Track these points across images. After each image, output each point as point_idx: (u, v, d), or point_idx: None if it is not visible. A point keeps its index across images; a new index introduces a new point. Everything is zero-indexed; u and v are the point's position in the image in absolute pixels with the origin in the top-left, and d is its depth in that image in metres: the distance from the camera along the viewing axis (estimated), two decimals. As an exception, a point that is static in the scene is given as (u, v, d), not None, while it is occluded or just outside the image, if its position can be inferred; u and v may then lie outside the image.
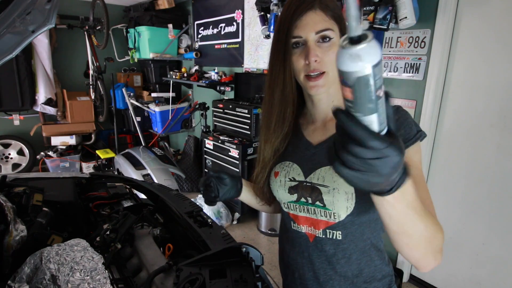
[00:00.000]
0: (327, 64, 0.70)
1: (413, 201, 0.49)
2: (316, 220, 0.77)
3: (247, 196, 0.94)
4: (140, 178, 2.91)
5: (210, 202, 0.87)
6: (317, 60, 0.69)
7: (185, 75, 3.87)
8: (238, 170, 3.02)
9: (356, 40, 0.33)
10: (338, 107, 0.38)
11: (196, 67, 4.01)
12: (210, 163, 3.42)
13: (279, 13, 2.43)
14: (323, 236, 0.77)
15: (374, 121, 0.36)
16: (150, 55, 4.00)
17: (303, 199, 0.77)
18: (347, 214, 0.73)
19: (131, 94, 4.28)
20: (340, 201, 0.72)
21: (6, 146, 4.05)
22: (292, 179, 0.79)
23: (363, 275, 0.77)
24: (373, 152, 0.36)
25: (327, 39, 0.70)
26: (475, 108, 1.88)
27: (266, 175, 0.86)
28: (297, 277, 0.84)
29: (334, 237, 0.76)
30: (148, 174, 3.01)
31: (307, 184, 0.76)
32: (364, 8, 1.88)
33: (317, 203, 0.75)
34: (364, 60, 0.32)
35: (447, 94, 2.00)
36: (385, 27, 1.86)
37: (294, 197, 0.79)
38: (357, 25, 0.33)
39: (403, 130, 0.69)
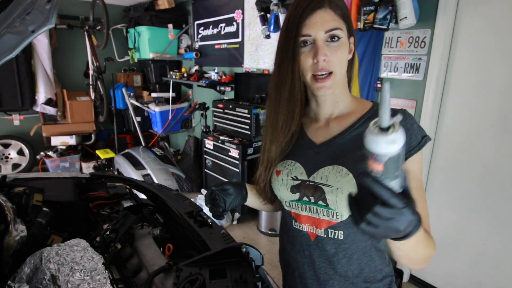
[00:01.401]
0: (335, 64, 0.70)
1: (420, 237, 0.55)
2: (318, 220, 0.77)
3: (251, 199, 0.93)
4: (140, 178, 2.91)
5: (218, 216, 0.85)
6: (325, 60, 0.69)
7: (185, 75, 3.87)
8: (238, 170, 3.02)
9: (386, 128, 0.40)
10: (363, 171, 0.46)
11: (196, 67, 4.01)
12: (210, 163, 3.42)
13: (279, 13, 2.43)
14: (325, 236, 0.77)
15: (397, 185, 0.45)
16: (150, 55, 4.00)
17: (305, 198, 0.77)
18: (349, 214, 0.73)
19: (131, 94, 4.28)
20: (343, 201, 0.72)
21: (6, 146, 4.05)
22: (295, 178, 0.79)
23: (363, 275, 0.77)
24: (393, 211, 0.44)
25: (336, 38, 0.69)
26: (475, 108, 1.88)
27: (270, 175, 0.85)
28: (297, 275, 0.84)
29: (336, 237, 0.76)
30: (148, 174, 3.00)
31: (310, 183, 0.76)
32: (364, 8, 1.88)
33: (320, 202, 0.75)
34: (397, 143, 0.40)
35: (447, 94, 2.00)
36: (385, 27, 1.86)
37: (296, 196, 0.78)
38: (389, 118, 0.40)
39: (409, 137, 0.70)
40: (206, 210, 0.94)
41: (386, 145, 0.41)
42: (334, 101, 0.79)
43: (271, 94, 0.80)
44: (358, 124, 0.76)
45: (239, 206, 3.13)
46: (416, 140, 0.71)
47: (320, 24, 0.68)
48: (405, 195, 0.46)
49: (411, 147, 0.70)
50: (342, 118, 0.79)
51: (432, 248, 0.64)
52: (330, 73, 0.70)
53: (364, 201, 0.46)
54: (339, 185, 0.72)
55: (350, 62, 0.79)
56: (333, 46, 0.69)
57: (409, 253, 0.60)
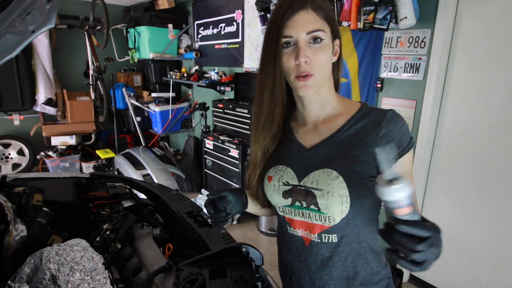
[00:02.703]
0: (316, 66, 0.70)
1: None
2: (311, 224, 0.76)
3: (251, 205, 0.90)
4: (140, 178, 2.91)
5: (222, 222, 0.80)
6: (307, 61, 0.68)
7: (185, 75, 3.87)
8: (238, 170, 3.02)
9: (390, 180, 0.51)
10: (388, 223, 0.54)
11: (196, 67, 4.01)
12: (210, 163, 3.42)
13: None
14: (319, 240, 0.76)
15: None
16: (150, 55, 4.00)
17: (297, 203, 0.76)
18: (342, 217, 0.73)
19: (131, 94, 4.28)
20: (334, 204, 0.71)
21: (6, 146, 4.05)
22: (286, 183, 0.78)
23: (359, 278, 0.77)
24: (430, 240, 0.51)
25: (318, 40, 0.69)
26: (475, 108, 1.88)
27: (258, 177, 0.84)
28: (294, 280, 0.84)
29: (330, 241, 0.75)
30: (148, 174, 3.00)
31: (301, 188, 0.75)
32: (364, 8, 1.88)
33: (312, 207, 0.74)
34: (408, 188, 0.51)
35: (447, 94, 2.00)
36: (385, 27, 1.86)
37: (289, 201, 0.78)
38: (392, 173, 0.51)
39: (398, 138, 0.71)
40: (206, 210, 0.94)
41: (402, 192, 0.51)
42: (320, 103, 0.78)
43: (255, 95, 0.80)
44: (347, 126, 0.75)
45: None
46: (405, 141, 0.71)
47: (302, 26, 0.68)
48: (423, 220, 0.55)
49: (401, 147, 0.71)
50: (331, 120, 0.78)
51: None
52: (312, 74, 0.70)
53: (401, 248, 0.52)
54: (329, 188, 0.71)
55: (336, 65, 0.79)
56: (315, 48, 0.69)
57: None
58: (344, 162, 0.72)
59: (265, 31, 0.74)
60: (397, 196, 0.51)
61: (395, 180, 0.51)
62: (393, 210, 0.53)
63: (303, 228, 0.78)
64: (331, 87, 0.79)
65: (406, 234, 0.51)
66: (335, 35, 0.74)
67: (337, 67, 0.79)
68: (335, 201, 0.71)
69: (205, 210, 0.91)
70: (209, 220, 0.99)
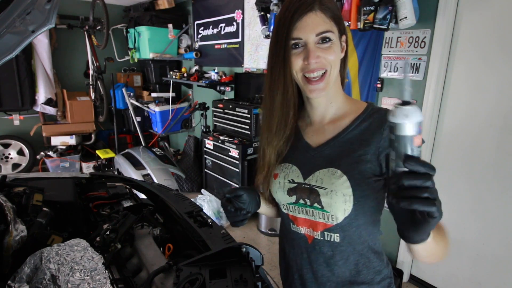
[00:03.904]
0: (327, 63, 0.70)
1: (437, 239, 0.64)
2: (314, 222, 0.77)
3: (263, 206, 0.89)
4: (140, 178, 2.91)
5: (241, 221, 0.79)
6: (317, 62, 0.69)
7: (185, 75, 3.87)
8: (238, 170, 3.02)
9: (406, 103, 0.49)
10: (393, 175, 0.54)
11: (196, 67, 4.01)
12: (210, 163, 3.42)
13: (279, 13, 2.43)
14: (321, 238, 0.77)
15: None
16: (150, 55, 4.00)
17: (301, 201, 0.77)
18: (344, 216, 0.73)
19: (131, 94, 4.28)
20: (337, 203, 0.72)
21: (6, 146, 4.05)
22: (291, 181, 0.79)
23: (361, 277, 0.77)
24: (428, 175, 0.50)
25: (327, 40, 0.69)
26: (475, 108, 1.88)
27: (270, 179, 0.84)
28: (296, 278, 0.84)
29: (332, 239, 0.76)
30: (148, 174, 3.00)
31: (306, 186, 0.76)
32: (364, 8, 1.88)
33: (315, 205, 0.75)
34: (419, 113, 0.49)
35: (447, 94, 2.00)
36: (385, 27, 1.86)
37: (293, 198, 0.79)
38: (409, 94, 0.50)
39: None
40: (206, 210, 0.94)
41: (418, 112, 0.49)
42: (328, 102, 0.79)
43: (265, 98, 0.79)
44: (353, 126, 0.76)
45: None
46: None
47: (311, 27, 0.68)
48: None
49: None
50: (337, 120, 0.79)
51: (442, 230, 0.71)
52: (324, 73, 0.70)
53: (413, 189, 0.50)
54: (333, 187, 0.72)
55: (343, 62, 0.79)
56: (324, 48, 0.69)
57: (433, 249, 0.65)
58: (348, 161, 0.72)
59: (272, 33, 0.74)
60: (413, 118, 0.48)
61: (410, 102, 0.49)
62: (413, 138, 0.50)
63: (306, 226, 0.78)
64: (339, 86, 0.80)
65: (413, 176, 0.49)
66: (342, 32, 0.74)
67: (343, 63, 0.79)
68: (338, 200, 0.71)
69: (207, 213, 0.91)
70: (209, 220, 0.99)
